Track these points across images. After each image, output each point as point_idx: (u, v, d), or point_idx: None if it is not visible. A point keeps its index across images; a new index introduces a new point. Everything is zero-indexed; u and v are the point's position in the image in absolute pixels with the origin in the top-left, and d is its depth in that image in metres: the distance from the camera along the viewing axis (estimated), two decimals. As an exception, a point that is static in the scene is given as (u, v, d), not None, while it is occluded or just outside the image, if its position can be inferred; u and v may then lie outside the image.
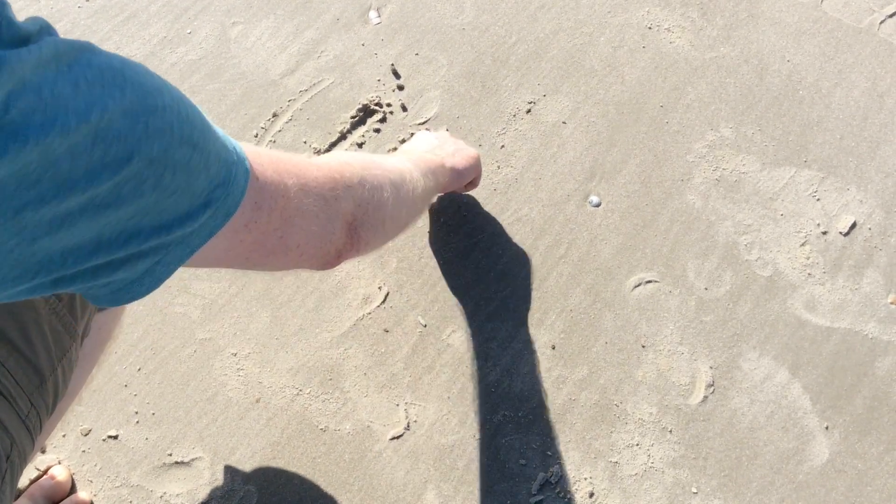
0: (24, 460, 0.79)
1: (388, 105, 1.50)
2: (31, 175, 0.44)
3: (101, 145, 0.47)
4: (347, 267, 1.34)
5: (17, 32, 0.46)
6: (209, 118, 0.61)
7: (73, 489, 1.17)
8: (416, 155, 1.13)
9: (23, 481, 1.16)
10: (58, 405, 0.88)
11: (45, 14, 1.58)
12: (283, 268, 0.74)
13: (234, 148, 0.61)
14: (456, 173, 1.21)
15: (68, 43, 0.48)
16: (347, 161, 0.82)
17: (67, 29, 1.58)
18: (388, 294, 1.32)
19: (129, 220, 0.52)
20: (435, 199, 1.38)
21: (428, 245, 1.36)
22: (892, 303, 1.34)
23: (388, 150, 1.45)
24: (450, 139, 1.28)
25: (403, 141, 1.45)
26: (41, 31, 0.48)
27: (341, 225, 0.76)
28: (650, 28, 1.62)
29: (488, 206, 1.40)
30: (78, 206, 0.48)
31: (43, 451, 1.19)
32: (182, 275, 1.32)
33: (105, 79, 0.48)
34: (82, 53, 0.48)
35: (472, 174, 1.27)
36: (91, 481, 1.17)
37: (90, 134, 0.46)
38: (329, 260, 0.77)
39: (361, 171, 0.82)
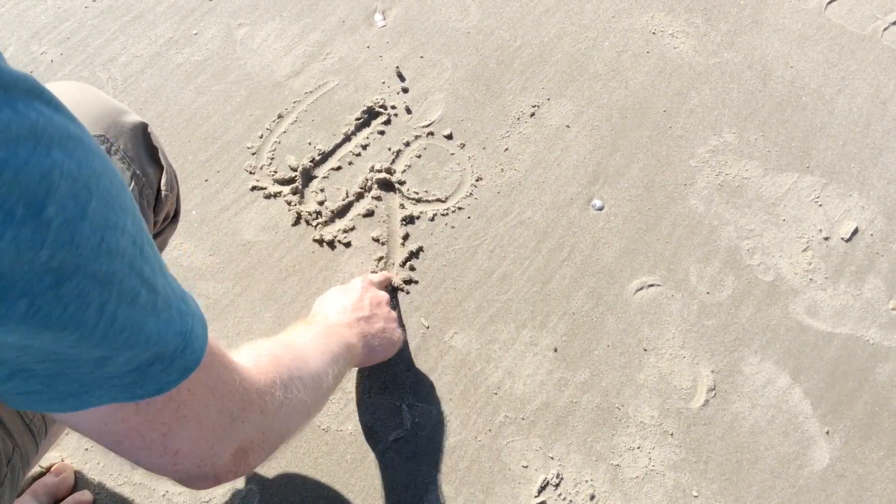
0: (26, 464, 0.78)
1: (393, 107, 1.51)
2: None
3: (48, 246, 0.42)
4: (351, 268, 1.35)
5: None
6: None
7: (75, 487, 1.17)
8: (334, 334, 1.02)
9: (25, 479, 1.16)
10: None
11: (51, 14, 1.59)
12: (146, 467, 0.62)
13: (190, 301, 0.56)
14: (368, 358, 1.13)
15: (55, 123, 0.43)
16: (276, 365, 0.75)
17: (74, 29, 1.59)
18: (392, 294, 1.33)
19: (70, 348, 0.46)
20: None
21: (431, 248, 1.37)
22: (893, 309, 1.35)
23: (393, 152, 1.45)
24: (374, 304, 1.17)
25: (408, 144, 1.46)
26: (30, 92, 0.43)
27: (234, 450, 0.66)
28: (654, 33, 1.62)
29: (491, 209, 1.41)
30: (18, 313, 0.42)
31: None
32: (186, 274, 1.32)
33: (80, 176, 0.43)
34: (69, 141, 0.44)
35: (386, 357, 1.19)
36: (93, 480, 1.18)
37: (39, 230, 0.41)
38: (201, 481, 0.66)
39: (287, 380, 0.74)
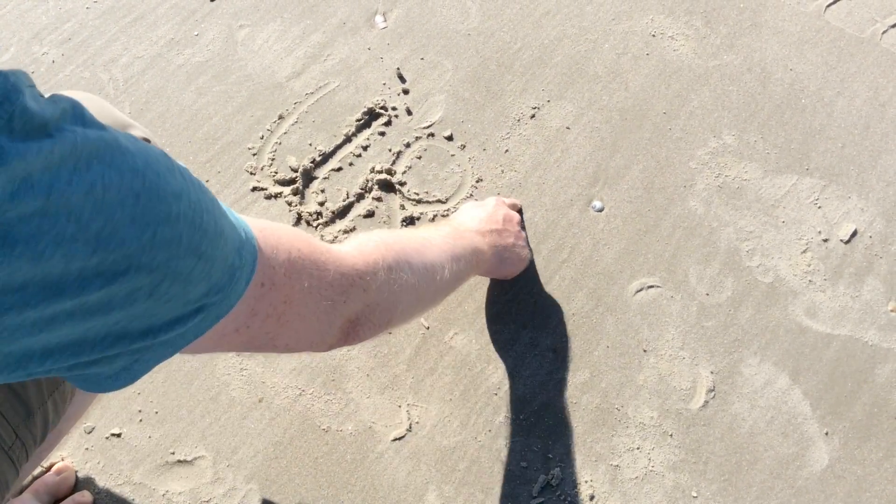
0: (6, 489, 0.78)
1: (394, 109, 1.51)
2: (17, 279, 0.41)
3: (99, 254, 0.44)
4: (351, 268, 1.35)
5: (31, 122, 0.42)
6: (222, 201, 0.60)
7: (76, 487, 1.17)
8: (463, 237, 1.07)
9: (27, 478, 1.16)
10: (58, 428, 0.88)
11: (52, 15, 1.60)
12: (264, 352, 0.70)
13: (242, 246, 0.58)
14: (497, 269, 1.19)
15: (92, 139, 0.45)
16: (384, 249, 0.79)
17: (75, 30, 1.59)
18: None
19: (115, 325, 0.48)
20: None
21: (431, 248, 1.37)
22: (892, 310, 1.35)
23: (393, 153, 1.46)
24: (507, 220, 1.23)
25: (408, 145, 1.47)
26: (63, 117, 0.44)
27: (340, 324, 0.73)
28: (654, 35, 1.63)
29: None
30: (64, 311, 0.45)
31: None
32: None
33: (123, 183, 0.45)
34: (105, 152, 0.45)
35: (514, 273, 1.26)
36: (94, 479, 1.18)
37: (90, 242, 0.43)
38: (317, 350, 0.75)
39: (392, 262, 0.78)
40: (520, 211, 1.40)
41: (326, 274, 0.68)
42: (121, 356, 0.51)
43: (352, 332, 0.75)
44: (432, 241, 0.94)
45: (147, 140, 0.87)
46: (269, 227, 0.64)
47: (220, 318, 0.56)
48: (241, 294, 0.57)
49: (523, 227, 1.36)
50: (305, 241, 0.68)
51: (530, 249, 1.35)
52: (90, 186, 0.43)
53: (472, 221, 1.16)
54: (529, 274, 1.35)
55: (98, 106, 0.87)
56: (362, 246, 0.78)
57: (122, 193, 0.44)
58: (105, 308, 0.46)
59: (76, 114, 0.46)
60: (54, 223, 0.41)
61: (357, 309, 0.73)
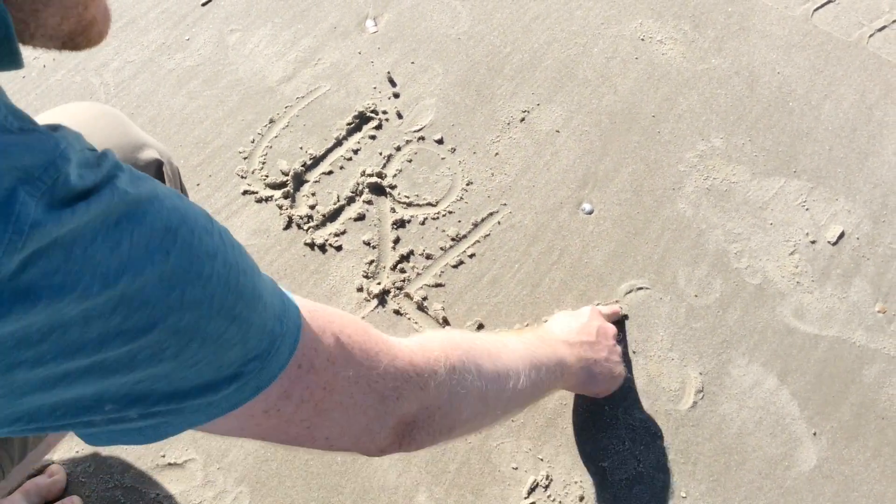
0: None
1: (384, 112, 1.52)
2: (34, 335, 0.40)
3: (122, 312, 0.42)
4: (342, 271, 1.35)
5: (71, 191, 0.41)
6: (264, 269, 0.55)
7: (66, 489, 1.17)
8: (548, 344, 0.99)
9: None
10: (38, 447, 0.87)
11: (44, 19, 1.60)
12: (303, 446, 0.62)
13: (284, 314, 0.54)
14: (586, 384, 1.10)
15: (126, 197, 0.44)
16: (449, 347, 0.72)
17: (67, 34, 1.59)
18: (382, 297, 1.33)
19: (137, 384, 0.46)
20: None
21: (421, 251, 1.38)
22: (879, 311, 1.36)
23: (384, 157, 1.46)
24: (601, 333, 1.13)
25: (399, 148, 1.47)
26: (105, 181, 0.43)
27: (393, 425, 0.65)
28: (643, 39, 1.64)
29: (481, 214, 1.42)
30: (80, 368, 0.43)
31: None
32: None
33: (153, 239, 0.44)
34: (138, 207, 0.44)
35: (605, 392, 1.16)
36: (84, 482, 1.18)
37: (112, 300, 0.42)
38: (365, 454, 0.67)
39: (457, 362, 0.72)
40: (621, 322, 1.31)
41: (377, 364, 0.62)
42: (143, 417, 0.49)
43: (407, 436, 0.67)
44: (509, 345, 0.87)
45: (161, 161, 0.85)
46: (320, 309, 0.60)
47: (261, 390, 0.53)
48: (285, 365, 0.54)
49: (622, 342, 1.29)
50: (361, 329, 0.63)
51: (628, 368, 1.25)
52: (116, 243, 0.42)
53: (562, 331, 1.08)
54: (518, 277, 1.36)
55: (115, 121, 0.84)
56: (425, 342, 0.72)
57: (151, 250, 0.43)
58: (126, 367, 0.45)
59: (117, 177, 0.45)
60: (78, 280, 0.40)
61: (413, 409, 0.66)
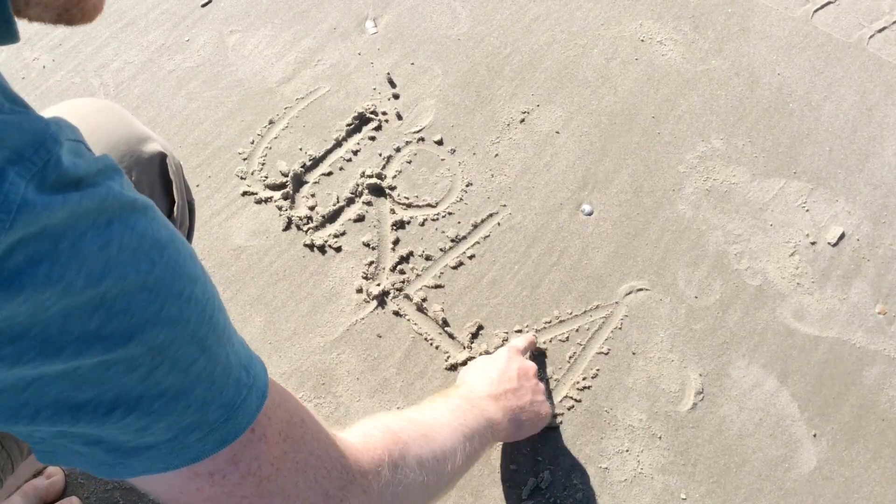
0: None
1: (384, 113, 1.52)
2: (15, 328, 0.39)
3: (101, 315, 0.42)
4: (341, 272, 1.35)
5: (63, 176, 0.41)
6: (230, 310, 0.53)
7: (65, 492, 1.17)
8: (475, 406, 0.96)
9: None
10: None
11: (44, 20, 1.60)
12: None
13: (251, 367, 0.53)
14: (514, 434, 1.07)
15: (121, 198, 0.43)
16: (390, 442, 0.70)
17: (66, 35, 1.59)
18: (382, 298, 1.33)
19: (100, 399, 0.45)
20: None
21: (421, 252, 1.37)
22: (879, 313, 1.36)
23: (384, 158, 1.46)
24: (522, 375, 1.10)
25: (398, 149, 1.47)
26: (100, 173, 0.43)
27: None
28: (643, 40, 1.64)
29: (481, 215, 1.41)
30: (54, 373, 0.42)
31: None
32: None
33: (141, 246, 0.43)
34: (131, 213, 0.43)
35: (532, 433, 1.12)
36: (83, 483, 1.18)
37: (94, 300, 0.41)
38: None
39: (398, 458, 0.69)
40: (541, 354, 1.29)
41: (327, 456, 0.60)
42: (92, 444, 0.47)
43: None
44: (441, 421, 0.85)
45: (164, 154, 0.84)
46: (277, 384, 0.58)
47: (226, 444, 0.50)
48: (251, 421, 0.51)
49: (542, 377, 1.26)
50: (312, 415, 0.60)
51: (551, 402, 1.21)
52: (105, 242, 0.41)
53: (484, 384, 1.05)
54: (517, 278, 1.35)
55: (118, 115, 0.84)
56: (367, 437, 0.69)
57: (138, 257, 0.43)
58: (97, 381, 0.43)
59: (114, 175, 0.44)
60: (63, 272, 0.39)
61: None
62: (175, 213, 0.86)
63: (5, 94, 0.41)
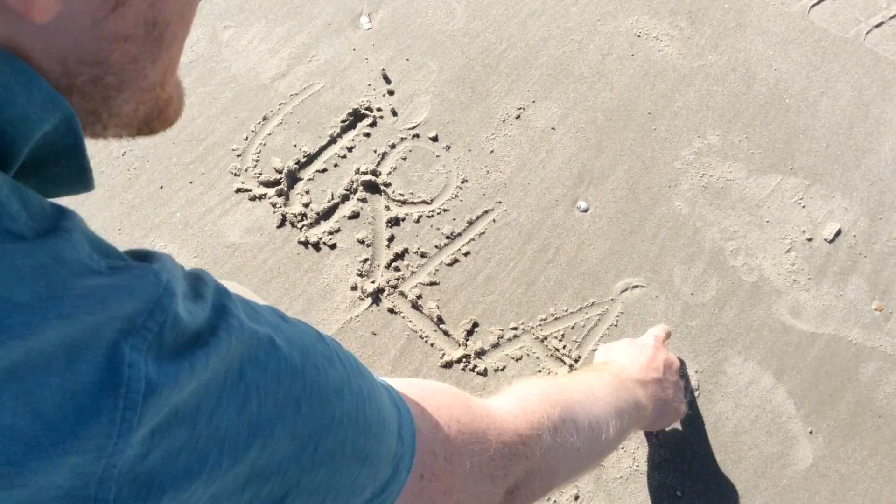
0: None
1: (379, 109, 1.51)
2: None
3: (253, 487, 0.36)
4: (336, 270, 1.35)
5: (182, 334, 0.34)
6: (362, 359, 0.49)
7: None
8: (626, 388, 0.94)
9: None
10: None
11: (36, 16, 1.59)
12: None
13: (402, 426, 0.49)
14: (652, 425, 1.06)
15: (243, 336, 0.37)
16: (548, 405, 0.69)
17: (59, 31, 1.58)
18: (377, 296, 1.33)
19: None
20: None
21: (416, 249, 1.37)
22: (876, 309, 1.35)
23: (378, 154, 1.45)
24: (668, 367, 1.08)
25: (393, 146, 1.46)
26: (215, 311, 0.37)
27: (499, 501, 0.63)
28: (639, 36, 1.63)
29: (476, 211, 1.41)
30: None
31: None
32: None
33: (281, 390, 0.37)
34: (258, 352, 0.37)
35: (663, 428, 1.13)
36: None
37: (242, 475, 0.36)
38: None
39: (558, 421, 0.69)
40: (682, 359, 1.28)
41: (488, 447, 0.59)
42: None
43: (508, 502, 0.64)
44: (595, 391, 0.83)
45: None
46: (426, 395, 0.56)
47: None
48: (403, 484, 0.49)
49: (683, 374, 1.25)
50: (464, 407, 0.59)
51: (686, 402, 1.16)
52: (243, 402, 0.35)
53: (634, 367, 1.02)
54: (513, 275, 1.35)
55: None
56: (525, 402, 0.68)
57: (281, 404, 0.37)
58: None
59: (225, 308, 0.38)
60: (205, 458, 0.34)
61: (517, 478, 0.64)
62: None
63: (97, 247, 0.34)
